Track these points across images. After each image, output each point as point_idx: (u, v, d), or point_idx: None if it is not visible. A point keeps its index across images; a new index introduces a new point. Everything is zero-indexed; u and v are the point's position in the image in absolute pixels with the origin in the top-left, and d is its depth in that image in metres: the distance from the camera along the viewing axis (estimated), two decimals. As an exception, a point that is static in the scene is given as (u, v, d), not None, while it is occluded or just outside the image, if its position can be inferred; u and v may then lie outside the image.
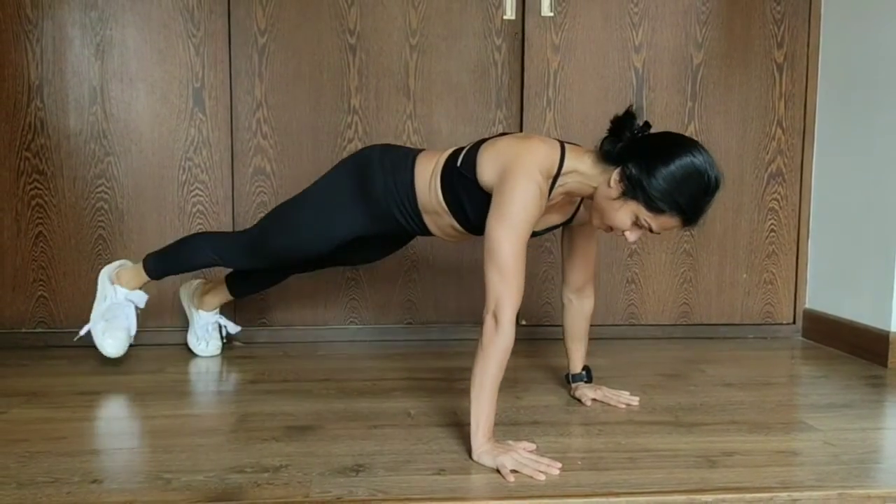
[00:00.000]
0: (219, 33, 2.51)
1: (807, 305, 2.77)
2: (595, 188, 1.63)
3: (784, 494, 1.37)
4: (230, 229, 2.55)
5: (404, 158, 1.85)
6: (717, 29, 2.67)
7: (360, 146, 2.58)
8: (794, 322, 2.79)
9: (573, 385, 1.98)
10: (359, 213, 1.88)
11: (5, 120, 2.46)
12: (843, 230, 2.59)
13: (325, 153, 2.58)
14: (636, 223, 1.60)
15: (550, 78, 2.62)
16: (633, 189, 1.55)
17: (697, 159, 1.54)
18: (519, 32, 2.61)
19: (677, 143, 1.57)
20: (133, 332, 2.21)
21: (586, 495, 1.36)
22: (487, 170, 1.66)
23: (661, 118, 2.66)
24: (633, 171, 1.54)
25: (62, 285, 2.52)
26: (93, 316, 2.20)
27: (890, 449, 1.66)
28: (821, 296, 2.72)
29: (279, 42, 2.53)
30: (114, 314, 2.17)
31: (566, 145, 1.68)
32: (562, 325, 1.98)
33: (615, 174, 1.57)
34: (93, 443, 1.62)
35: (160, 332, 2.53)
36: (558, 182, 1.65)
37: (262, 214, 2.53)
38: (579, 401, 1.92)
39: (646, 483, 1.41)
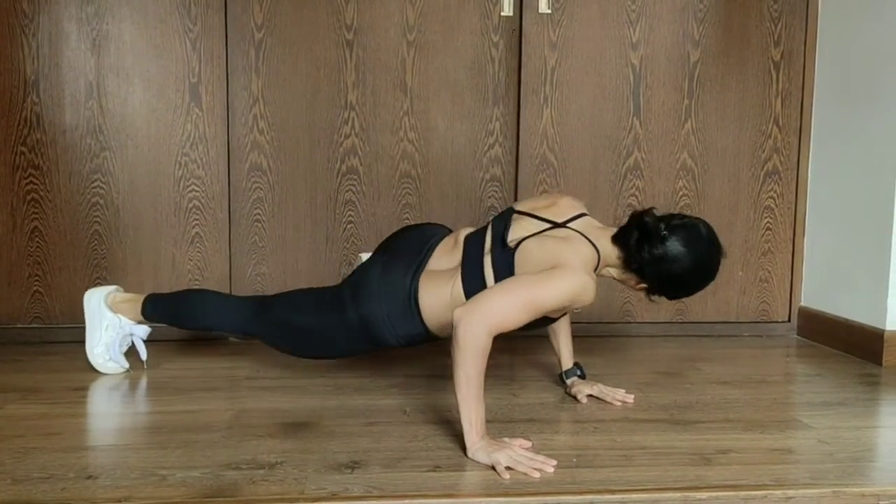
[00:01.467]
0: (215, 28, 2.50)
1: (802, 303, 2.78)
2: (622, 280, 1.82)
3: (779, 492, 1.38)
4: (227, 226, 2.55)
5: (405, 302, 1.78)
6: (714, 26, 2.67)
7: (356, 142, 2.58)
8: (789, 320, 2.79)
9: (568, 382, 1.98)
10: (369, 346, 1.87)
11: (1, 115, 2.45)
12: (839, 228, 2.59)
13: (321, 149, 2.57)
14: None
15: (548, 75, 2.62)
16: (657, 292, 1.77)
17: (709, 258, 1.73)
18: (516, 29, 2.60)
19: (689, 247, 1.69)
20: (144, 356, 2.18)
21: (581, 492, 1.37)
22: (532, 268, 1.67)
23: (657, 116, 2.66)
24: (654, 285, 1.75)
25: (58, 281, 2.52)
26: (91, 344, 2.12)
27: (884, 447, 1.67)
28: (816, 294, 2.72)
29: (276, 37, 2.53)
30: (118, 347, 2.14)
31: (592, 240, 1.75)
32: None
33: (641, 286, 1.78)
34: (88, 439, 1.62)
35: (155, 327, 2.52)
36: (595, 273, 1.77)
37: (259, 211, 2.55)
38: (574, 398, 1.92)
39: (641, 480, 1.41)
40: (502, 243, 1.76)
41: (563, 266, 1.63)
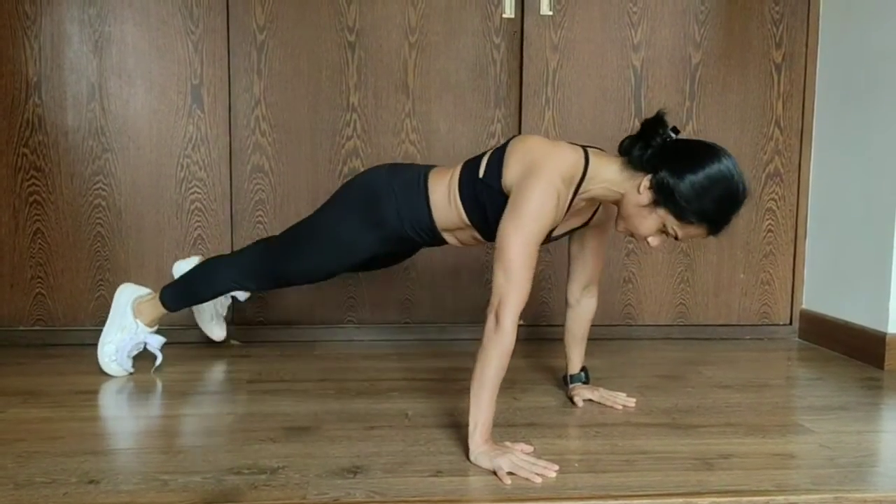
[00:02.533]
0: (217, 30, 2.51)
1: (804, 306, 2.78)
2: (622, 195, 1.62)
3: (780, 498, 1.38)
4: (228, 227, 2.56)
5: (415, 181, 1.81)
6: (715, 29, 2.67)
7: (358, 144, 2.58)
8: (790, 323, 2.79)
9: (570, 386, 1.98)
10: (374, 238, 1.86)
11: (3, 116, 2.45)
12: (841, 231, 2.59)
13: (323, 151, 2.57)
14: (662, 230, 1.61)
15: (549, 77, 2.62)
16: (663, 197, 1.55)
17: (728, 169, 1.54)
18: (518, 31, 2.60)
19: (708, 152, 1.56)
20: (159, 360, 2.19)
21: (583, 498, 1.37)
22: (512, 170, 1.64)
23: (659, 118, 2.66)
24: (664, 179, 1.53)
25: (60, 282, 2.52)
26: (105, 339, 2.15)
27: (886, 452, 1.67)
28: (818, 297, 2.72)
29: (278, 39, 2.53)
30: (128, 353, 2.14)
31: (590, 151, 1.67)
32: (563, 325, 1.98)
33: (645, 181, 1.57)
34: (90, 443, 1.62)
35: (158, 331, 2.52)
36: (581, 188, 1.64)
37: (261, 212, 2.55)
38: (571, 400, 1.93)
39: (642, 486, 1.41)
40: (508, 140, 1.75)
41: (530, 180, 1.58)
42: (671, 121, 1.64)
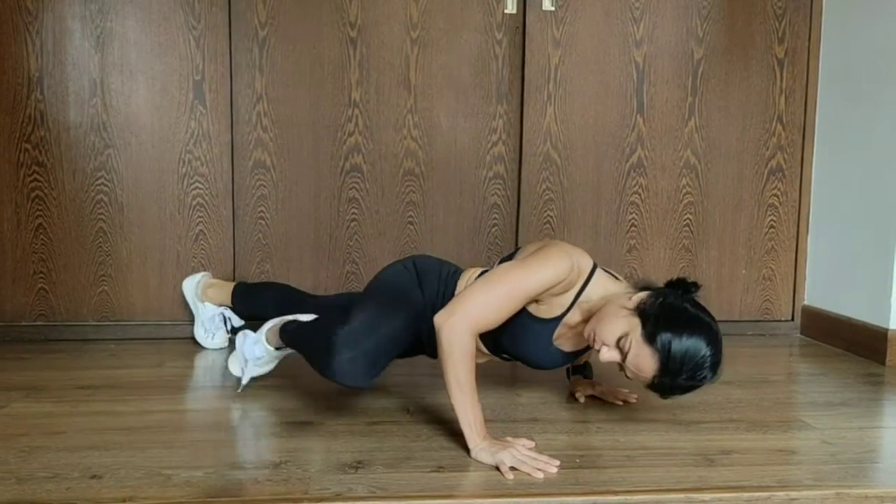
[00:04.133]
0: (219, 26, 2.50)
1: (805, 302, 2.78)
2: (611, 299, 1.61)
3: (782, 494, 1.38)
4: (230, 223, 2.56)
5: (443, 280, 1.84)
6: (717, 24, 2.67)
7: (360, 140, 2.58)
8: (792, 319, 2.79)
9: (572, 378, 1.98)
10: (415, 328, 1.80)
11: (5, 112, 2.45)
12: (843, 227, 2.59)
13: (325, 146, 2.57)
14: (619, 341, 1.54)
15: (551, 72, 2.62)
16: (646, 312, 1.52)
17: (712, 352, 1.50)
18: (520, 26, 2.60)
19: (706, 332, 1.51)
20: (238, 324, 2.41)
21: (584, 493, 1.37)
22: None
23: (661, 113, 2.66)
24: (659, 301, 1.53)
25: (62, 278, 2.52)
26: (196, 326, 2.45)
27: (888, 448, 1.67)
28: (820, 292, 2.72)
29: (280, 35, 2.53)
30: (218, 326, 2.43)
31: (593, 269, 1.68)
32: None
33: (643, 294, 1.57)
34: (93, 438, 1.62)
35: (160, 325, 2.54)
36: (583, 295, 1.65)
37: (263, 208, 2.56)
38: (573, 395, 1.93)
39: (644, 481, 1.42)
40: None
41: (549, 249, 1.61)
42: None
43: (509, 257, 1.74)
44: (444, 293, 1.80)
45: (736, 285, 2.76)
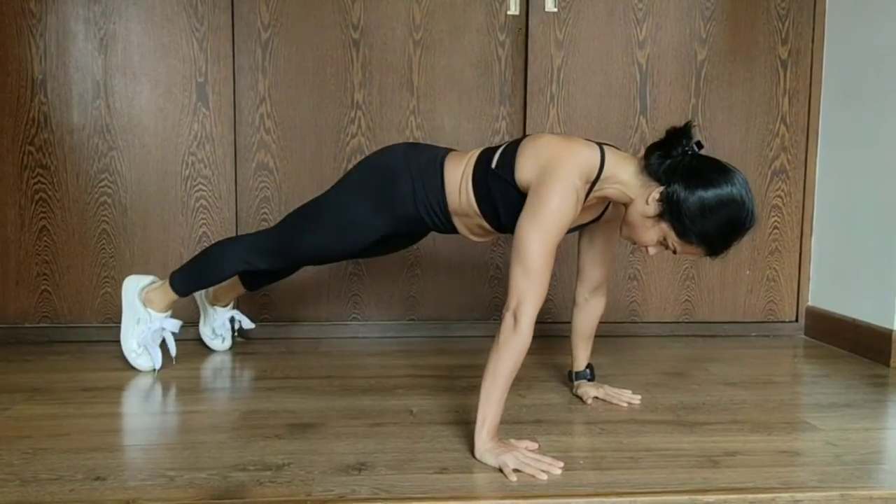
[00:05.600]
0: (222, 28, 2.51)
1: (810, 303, 2.77)
2: (632, 199, 1.62)
3: (786, 495, 1.38)
4: (234, 225, 2.56)
5: (432, 162, 1.81)
6: (721, 25, 2.67)
7: (363, 142, 2.58)
8: (796, 320, 2.79)
9: (576, 383, 1.98)
10: (387, 217, 1.85)
11: (9, 114, 2.46)
12: (847, 227, 2.58)
13: (328, 148, 2.57)
14: (662, 242, 1.61)
15: (554, 73, 2.61)
16: (668, 212, 1.55)
17: (739, 195, 1.52)
18: (522, 28, 2.60)
19: (722, 174, 1.54)
20: (173, 353, 2.21)
21: (588, 495, 1.36)
22: (527, 168, 1.64)
23: (664, 114, 2.66)
24: (673, 195, 1.53)
25: (66, 280, 2.53)
26: (126, 335, 2.16)
27: (892, 449, 1.66)
28: (824, 293, 2.71)
29: (283, 37, 2.53)
30: (152, 342, 2.15)
31: (605, 150, 1.65)
32: (571, 322, 1.98)
33: (655, 193, 1.56)
34: (96, 440, 1.62)
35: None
36: (596, 187, 1.64)
37: (266, 210, 2.55)
38: (581, 399, 1.92)
39: (648, 483, 1.41)
40: (518, 139, 1.75)
41: (548, 179, 1.57)
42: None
43: (513, 150, 1.69)
44: (431, 172, 1.80)
45: (740, 286, 2.76)
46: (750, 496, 1.37)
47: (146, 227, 2.54)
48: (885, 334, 2.34)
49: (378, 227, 1.87)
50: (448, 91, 2.60)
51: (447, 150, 1.87)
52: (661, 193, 1.55)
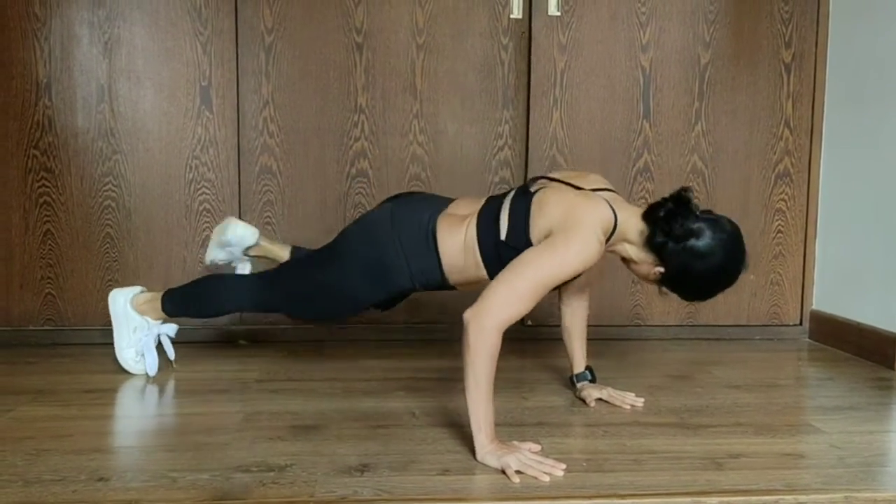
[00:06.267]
0: (226, 32, 2.51)
1: (814, 307, 2.77)
2: (636, 262, 1.73)
3: (790, 497, 1.37)
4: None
5: (422, 234, 1.79)
6: (724, 28, 2.67)
7: (366, 145, 2.58)
8: (800, 323, 2.78)
9: (578, 385, 1.98)
10: (384, 290, 1.87)
11: (13, 118, 2.47)
12: (851, 231, 2.58)
13: (331, 152, 2.58)
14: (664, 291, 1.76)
15: (557, 77, 2.62)
16: (669, 285, 1.71)
17: (734, 270, 1.67)
18: (526, 32, 2.60)
19: (719, 252, 1.63)
20: (172, 356, 2.20)
21: (591, 497, 1.36)
22: (543, 226, 1.65)
23: (667, 118, 2.66)
24: (674, 277, 1.67)
25: (70, 283, 2.53)
26: (121, 346, 2.14)
27: (896, 452, 1.66)
28: (828, 297, 2.71)
29: (286, 41, 2.54)
30: (148, 347, 2.14)
31: (614, 206, 1.69)
32: (560, 327, 1.99)
33: (657, 271, 1.69)
34: (99, 441, 1.63)
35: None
36: (608, 243, 1.69)
37: (269, 213, 2.56)
38: (583, 401, 1.92)
39: (651, 485, 1.41)
40: (524, 191, 1.75)
41: (573, 228, 1.59)
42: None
43: (524, 216, 1.69)
44: (424, 248, 1.79)
45: (744, 290, 2.75)
46: (753, 498, 1.37)
47: (150, 230, 2.55)
48: (889, 338, 2.33)
49: (374, 299, 1.91)
50: (451, 95, 2.61)
51: (437, 213, 1.82)
52: (662, 275, 1.69)
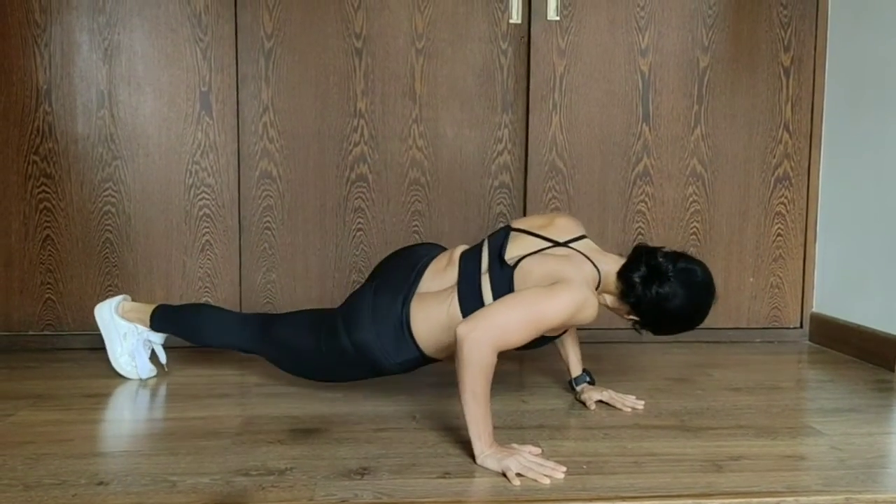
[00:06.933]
0: (226, 38, 2.52)
1: (814, 309, 2.76)
2: (613, 308, 1.83)
3: (791, 499, 1.37)
4: (237, 234, 2.56)
5: (399, 334, 1.78)
6: (723, 32, 2.67)
7: (366, 150, 2.59)
8: (801, 326, 2.78)
9: (578, 388, 1.98)
10: (371, 373, 1.87)
11: (14, 124, 2.47)
12: (851, 234, 2.58)
13: (331, 157, 2.58)
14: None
15: (556, 82, 2.62)
16: (644, 327, 1.80)
17: (699, 313, 1.77)
18: (525, 36, 2.61)
19: (686, 302, 1.73)
20: (164, 360, 2.20)
21: (591, 499, 1.36)
22: (531, 283, 1.68)
23: (667, 122, 2.66)
24: (648, 324, 1.79)
25: (69, 288, 2.53)
26: (114, 355, 2.15)
27: (897, 454, 1.66)
28: (828, 300, 2.71)
29: (286, 46, 2.54)
30: (140, 352, 2.15)
31: (594, 261, 1.76)
32: None
33: (632, 318, 1.79)
34: (99, 445, 1.63)
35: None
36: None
37: (269, 219, 2.57)
38: (584, 404, 1.92)
39: (651, 487, 1.41)
40: (500, 262, 1.75)
41: (565, 281, 1.63)
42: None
43: (506, 282, 1.72)
44: (402, 341, 1.79)
45: (744, 293, 2.75)
46: (754, 500, 1.37)
47: (149, 235, 2.55)
48: (889, 340, 2.33)
49: (361, 376, 1.92)
50: (450, 100, 2.61)
51: (411, 295, 1.80)
52: (635, 323, 1.80)
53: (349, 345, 1.80)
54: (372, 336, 1.78)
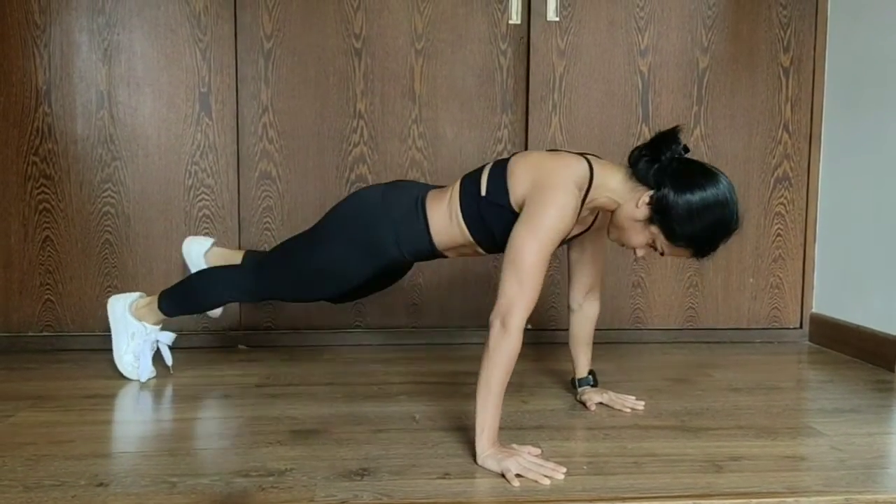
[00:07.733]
0: (225, 38, 2.52)
1: (814, 310, 2.77)
2: (620, 205, 1.65)
3: (791, 499, 1.37)
4: (236, 234, 2.56)
5: (412, 208, 1.81)
6: (723, 33, 2.67)
7: (365, 150, 2.59)
8: (801, 326, 2.78)
9: (579, 389, 1.98)
10: (373, 262, 1.86)
11: (13, 125, 2.47)
12: (851, 234, 2.58)
13: (330, 157, 2.58)
14: (650, 245, 1.64)
15: (556, 82, 2.62)
16: (658, 216, 1.58)
17: (725, 197, 1.56)
18: (524, 37, 2.61)
19: (708, 177, 1.57)
20: (169, 363, 2.19)
21: (591, 500, 1.36)
22: (520, 186, 1.65)
23: (666, 122, 2.66)
24: (663, 199, 1.56)
25: (69, 289, 2.53)
26: (119, 352, 2.15)
27: (897, 454, 1.66)
28: (828, 300, 2.71)
29: (285, 47, 2.54)
30: (146, 353, 2.14)
31: (591, 161, 1.68)
32: (568, 330, 1.99)
33: (645, 197, 1.59)
34: (99, 446, 1.62)
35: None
36: (588, 197, 1.66)
37: (268, 219, 2.56)
38: (584, 405, 1.92)
39: (651, 488, 1.41)
40: (504, 159, 1.76)
41: (544, 191, 1.59)
42: (682, 134, 1.63)
43: (502, 173, 1.70)
44: (413, 216, 1.80)
45: (744, 293, 2.75)
46: (754, 501, 1.37)
47: (149, 236, 2.55)
48: (889, 340, 2.33)
49: (364, 272, 1.89)
50: (450, 100, 2.61)
51: (426, 188, 1.87)
52: (651, 198, 1.58)
53: (356, 229, 1.84)
54: (383, 213, 1.81)
